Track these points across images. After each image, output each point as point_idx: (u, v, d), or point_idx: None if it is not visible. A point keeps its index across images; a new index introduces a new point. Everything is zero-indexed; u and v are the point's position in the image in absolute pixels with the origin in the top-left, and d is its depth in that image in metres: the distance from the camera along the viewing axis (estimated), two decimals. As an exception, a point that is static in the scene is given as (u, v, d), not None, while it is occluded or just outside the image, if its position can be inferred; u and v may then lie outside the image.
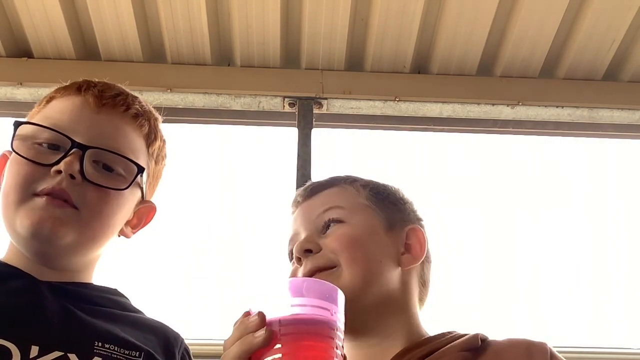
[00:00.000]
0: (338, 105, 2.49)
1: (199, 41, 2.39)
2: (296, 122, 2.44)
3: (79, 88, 1.16)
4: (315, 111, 2.45)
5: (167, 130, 2.66)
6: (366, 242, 1.09)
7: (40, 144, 1.06)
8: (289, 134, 2.46)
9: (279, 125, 2.53)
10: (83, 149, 1.05)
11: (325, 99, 2.47)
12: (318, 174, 2.35)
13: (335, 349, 0.82)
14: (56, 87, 1.17)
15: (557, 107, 2.53)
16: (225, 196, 2.49)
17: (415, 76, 2.52)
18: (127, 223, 1.15)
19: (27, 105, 2.41)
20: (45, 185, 1.02)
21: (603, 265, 2.51)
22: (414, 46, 2.42)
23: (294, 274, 1.11)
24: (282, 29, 2.37)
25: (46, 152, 1.05)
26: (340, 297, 0.86)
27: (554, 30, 2.38)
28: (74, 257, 1.08)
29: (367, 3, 2.31)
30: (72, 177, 1.03)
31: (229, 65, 2.50)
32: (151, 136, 1.18)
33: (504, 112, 2.52)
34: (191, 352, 1.15)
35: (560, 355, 1.02)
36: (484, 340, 1.06)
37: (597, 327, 2.43)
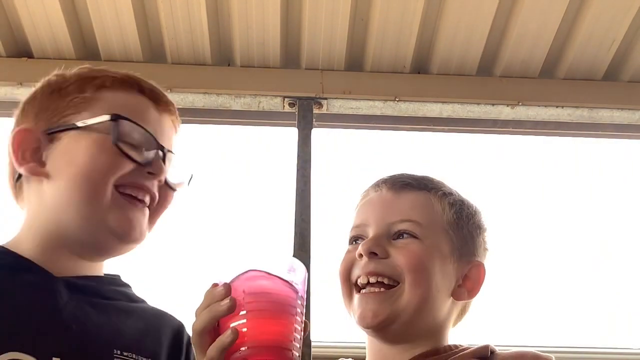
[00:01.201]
0: (338, 105, 2.49)
1: (199, 41, 2.39)
2: (296, 122, 2.43)
3: (138, 86, 1.19)
4: (315, 111, 2.45)
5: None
6: (433, 267, 1.08)
7: (125, 142, 1.07)
8: (289, 134, 2.46)
9: (279, 125, 2.53)
10: (164, 153, 1.10)
11: (325, 99, 2.47)
12: (318, 174, 2.36)
13: (295, 316, 0.90)
14: (95, 70, 1.17)
15: (557, 107, 2.53)
16: (226, 196, 2.49)
17: (415, 76, 2.52)
18: None
19: (27, 105, 2.43)
20: (139, 181, 1.06)
21: (603, 265, 2.51)
22: (414, 46, 2.42)
23: (347, 266, 1.10)
24: (282, 29, 2.37)
25: (132, 149, 1.06)
26: (302, 270, 0.93)
27: (554, 30, 2.38)
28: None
29: (367, 3, 2.31)
30: (159, 181, 1.09)
31: (229, 65, 2.50)
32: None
33: (504, 112, 2.52)
34: None
35: (567, 357, 1.03)
36: (493, 352, 1.08)
37: (597, 327, 2.43)
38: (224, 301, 0.88)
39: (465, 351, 1.07)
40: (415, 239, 1.09)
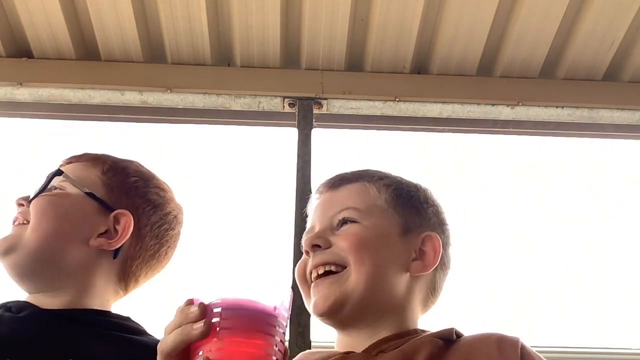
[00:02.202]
0: (338, 106, 2.49)
1: (199, 41, 2.39)
2: (296, 122, 2.43)
3: None
4: (315, 111, 2.45)
5: (167, 130, 2.65)
6: (376, 245, 1.10)
7: None
8: (289, 134, 2.46)
9: (279, 125, 2.53)
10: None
11: (325, 99, 2.47)
12: (318, 175, 2.36)
13: (274, 347, 0.85)
14: None
15: (557, 107, 2.52)
16: (225, 197, 2.49)
17: (415, 76, 2.52)
18: None
19: (27, 106, 2.43)
20: None
21: (603, 265, 2.51)
22: (414, 46, 2.42)
23: (302, 266, 1.14)
24: (282, 29, 2.37)
25: None
26: (287, 297, 0.90)
27: (554, 30, 2.37)
28: None
29: (367, 3, 2.31)
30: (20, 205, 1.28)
31: (229, 65, 2.50)
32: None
33: (504, 112, 2.52)
34: None
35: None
36: (458, 335, 1.08)
37: (596, 326, 2.43)
38: (197, 324, 0.84)
39: (427, 333, 1.08)
40: (354, 223, 1.12)
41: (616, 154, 2.68)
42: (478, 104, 2.51)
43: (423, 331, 1.10)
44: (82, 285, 1.19)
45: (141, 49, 2.41)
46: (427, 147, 2.65)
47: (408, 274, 1.12)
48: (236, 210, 2.47)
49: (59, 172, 1.23)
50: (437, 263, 1.15)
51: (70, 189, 1.22)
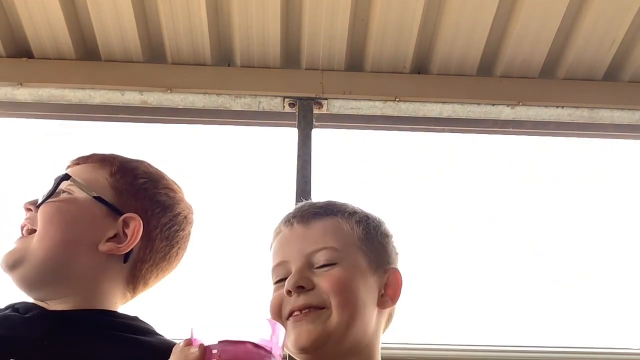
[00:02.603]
0: (338, 106, 2.49)
1: (199, 41, 2.39)
2: (296, 122, 2.43)
3: None
4: (316, 111, 2.45)
5: (167, 130, 2.65)
6: (356, 286, 1.14)
7: None
8: (289, 135, 2.46)
9: (279, 125, 2.53)
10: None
11: (326, 99, 2.47)
12: (318, 175, 2.36)
13: None
14: None
15: (557, 107, 2.53)
16: (225, 197, 2.49)
17: (415, 76, 2.52)
18: None
19: (27, 106, 2.43)
20: None
21: (603, 265, 2.51)
22: (414, 46, 2.42)
23: (277, 302, 1.15)
24: (282, 29, 2.37)
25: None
26: (281, 332, 0.93)
27: (554, 30, 2.37)
28: None
29: (367, 3, 2.31)
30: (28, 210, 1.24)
31: (229, 65, 2.50)
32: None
33: (504, 112, 2.52)
34: None
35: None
36: None
37: (597, 326, 2.43)
38: None
39: None
40: (334, 265, 1.14)
41: (616, 154, 2.68)
42: (478, 104, 2.51)
43: None
44: (90, 289, 1.17)
45: (141, 49, 2.41)
46: (427, 147, 2.65)
47: (377, 309, 1.16)
48: (236, 210, 2.47)
49: (66, 177, 1.22)
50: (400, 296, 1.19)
51: (79, 193, 1.20)
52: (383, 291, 1.17)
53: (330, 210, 1.22)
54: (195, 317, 0.93)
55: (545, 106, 2.52)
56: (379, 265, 1.18)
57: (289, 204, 2.30)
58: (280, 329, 0.93)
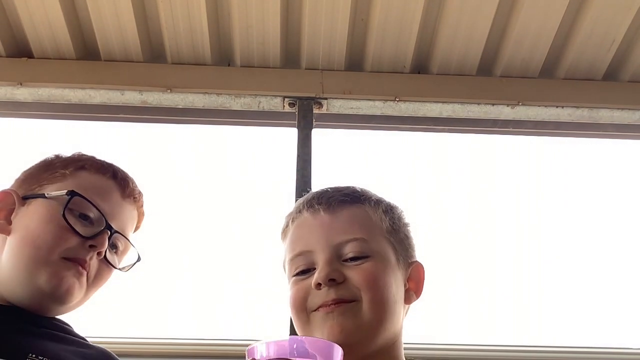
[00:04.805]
0: (338, 105, 2.49)
1: (199, 41, 2.39)
2: (296, 122, 2.43)
3: (113, 172, 1.27)
4: (315, 111, 2.45)
5: (167, 130, 2.65)
6: (389, 281, 1.09)
7: (77, 215, 1.17)
8: (289, 134, 2.46)
9: (279, 125, 2.53)
10: (112, 232, 1.19)
11: (325, 99, 2.47)
12: (318, 175, 2.36)
13: None
14: (84, 155, 1.28)
15: (557, 107, 2.53)
16: (225, 197, 2.49)
17: (415, 76, 2.52)
18: None
19: (27, 106, 2.43)
20: (78, 254, 1.15)
21: (603, 265, 2.51)
22: (414, 46, 2.42)
23: (302, 295, 1.10)
24: (282, 29, 2.37)
25: (79, 222, 1.17)
26: (338, 354, 0.88)
27: (554, 30, 2.38)
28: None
29: (367, 3, 2.31)
30: (98, 254, 1.17)
31: (229, 65, 2.50)
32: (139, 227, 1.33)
33: (504, 112, 2.52)
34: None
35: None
36: None
37: (596, 326, 2.43)
38: None
39: None
40: (366, 257, 1.09)
41: (616, 154, 2.68)
42: (478, 103, 2.51)
43: None
44: None
45: (141, 49, 2.41)
46: (427, 147, 2.65)
47: (403, 304, 1.13)
48: (236, 210, 2.47)
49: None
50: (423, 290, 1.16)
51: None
52: (407, 285, 1.13)
53: (357, 197, 1.16)
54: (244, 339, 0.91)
55: (545, 106, 2.52)
56: (405, 258, 1.14)
57: (289, 204, 2.31)
58: (338, 352, 0.89)
